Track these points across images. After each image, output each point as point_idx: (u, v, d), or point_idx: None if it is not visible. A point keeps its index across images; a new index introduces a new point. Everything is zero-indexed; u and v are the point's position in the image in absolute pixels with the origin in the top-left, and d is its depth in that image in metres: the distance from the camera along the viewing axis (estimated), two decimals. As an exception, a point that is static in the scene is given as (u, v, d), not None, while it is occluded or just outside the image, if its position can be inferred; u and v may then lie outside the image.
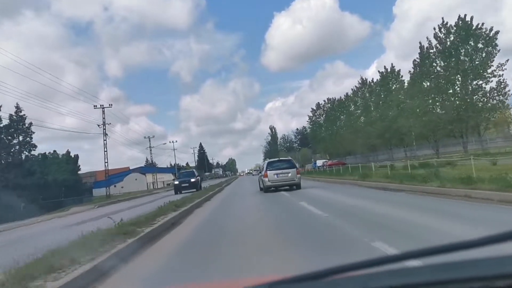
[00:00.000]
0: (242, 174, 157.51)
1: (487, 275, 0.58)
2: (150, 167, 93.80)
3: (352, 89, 72.51)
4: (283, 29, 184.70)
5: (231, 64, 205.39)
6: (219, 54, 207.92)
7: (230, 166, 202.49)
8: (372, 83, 65.43)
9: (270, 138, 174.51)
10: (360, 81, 69.11)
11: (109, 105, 44.05)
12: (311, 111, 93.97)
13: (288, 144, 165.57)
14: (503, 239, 0.60)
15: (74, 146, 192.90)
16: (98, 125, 42.30)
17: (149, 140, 73.54)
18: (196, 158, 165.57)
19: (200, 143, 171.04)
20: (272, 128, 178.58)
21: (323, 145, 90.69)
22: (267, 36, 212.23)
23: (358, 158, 76.42)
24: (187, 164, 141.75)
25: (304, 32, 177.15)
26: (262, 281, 0.72)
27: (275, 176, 19.32)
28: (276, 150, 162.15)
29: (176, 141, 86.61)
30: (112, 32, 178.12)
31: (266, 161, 22.24)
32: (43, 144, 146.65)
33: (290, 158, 25.73)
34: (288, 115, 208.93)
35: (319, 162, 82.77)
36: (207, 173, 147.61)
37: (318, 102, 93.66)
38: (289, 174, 19.29)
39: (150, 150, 72.98)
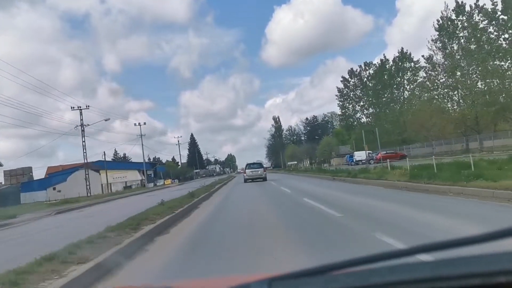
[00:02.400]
0: (241, 171, 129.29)
1: (487, 271, 0.57)
2: (109, 162, 63.35)
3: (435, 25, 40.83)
4: (283, 23, 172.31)
5: (231, 59, 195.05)
6: (218, 49, 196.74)
7: (229, 163, 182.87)
8: (473, 12, 34.98)
9: (274, 130, 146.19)
10: (447, 14, 38.36)
11: None
12: (341, 81, 63.16)
13: (295, 137, 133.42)
14: (503, 235, 0.59)
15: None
16: None
17: (80, 115, 42.36)
18: (187, 152, 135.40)
19: (192, 134, 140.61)
20: (276, 119, 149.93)
21: (361, 130, 60.10)
22: (267, 30, 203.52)
23: (431, 148, 46.10)
24: (172, 159, 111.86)
25: (305, 27, 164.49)
26: (263, 277, 0.69)
27: (250, 172, 30.31)
28: (282, 144, 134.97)
29: (145, 123, 55.79)
30: (109, 26, 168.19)
31: (245, 164, 34.08)
32: None
33: (260, 161, 41.31)
34: (288, 112, 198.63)
35: (359, 155, 52.44)
36: (197, 170, 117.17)
37: (352, 68, 62.88)
38: (259, 172, 30.27)
39: (82, 130, 41.94)
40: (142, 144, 60.24)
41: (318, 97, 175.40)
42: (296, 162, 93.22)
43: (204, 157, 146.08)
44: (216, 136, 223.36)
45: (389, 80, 54.10)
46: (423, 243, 0.63)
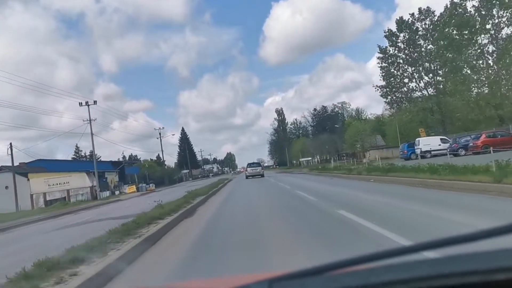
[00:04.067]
0: (242, 170, 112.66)
1: (487, 269, 0.56)
2: (46, 161, 42.60)
3: None
4: (281, 20, 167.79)
5: (229, 57, 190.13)
6: (216, 47, 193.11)
7: (228, 162, 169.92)
8: None
9: (276, 124, 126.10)
10: None
11: None
12: (385, 36, 42.33)
13: (300, 131, 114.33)
14: (503, 232, 0.58)
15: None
16: None
17: None
18: (177, 149, 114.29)
19: (183, 129, 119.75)
20: (279, 111, 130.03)
21: (418, 107, 39.55)
22: (265, 28, 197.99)
23: None
24: (157, 157, 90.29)
25: (303, 23, 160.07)
26: (262, 277, 0.68)
27: (251, 170, 36.64)
28: (286, 138, 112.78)
29: (96, 102, 33.88)
30: (105, 25, 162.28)
31: (247, 163, 42.57)
32: None
33: (259, 161, 51.89)
34: (288, 110, 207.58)
35: (428, 143, 31.42)
36: (186, 171, 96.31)
37: (401, 17, 42.07)
38: (258, 170, 36.85)
39: None
40: (92, 134, 39.53)
41: (318, 94, 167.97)
42: (310, 158, 72.52)
43: (198, 156, 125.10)
44: (215, 136, 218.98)
45: (471, 26, 33.34)
46: (423, 241, 0.61)
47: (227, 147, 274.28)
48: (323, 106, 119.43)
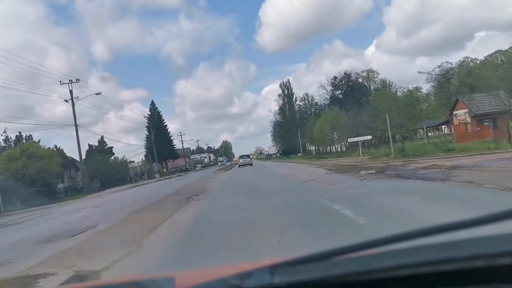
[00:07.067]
0: (236, 161, 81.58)
1: (489, 253, 0.56)
2: None
3: None
4: (278, 5, 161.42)
5: (225, 45, 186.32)
6: (212, 34, 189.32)
7: (224, 151, 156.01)
8: None
9: (281, 102, 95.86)
10: None
11: None
12: None
13: (313, 110, 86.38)
14: (503, 217, 0.58)
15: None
16: None
17: None
18: (145, 132, 78.12)
19: (152, 102, 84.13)
20: (285, 85, 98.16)
21: None
22: (261, 13, 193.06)
23: None
24: (100, 142, 51.32)
25: (301, 8, 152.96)
26: (263, 264, 0.68)
27: (242, 160, 47.84)
28: (294, 118, 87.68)
29: None
30: (96, 11, 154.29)
31: (239, 155, 57.40)
32: None
33: (248, 154, 57.43)
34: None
35: None
36: (134, 165, 59.30)
37: None
38: (248, 160, 47.75)
39: None
40: None
41: (316, 82, 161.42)
42: (370, 137, 37.16)
43: (178, 143, 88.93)
44: (212, 125, 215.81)
45: None
46: (423, 227, 0.61)
47: (224, 136, 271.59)
48: (345, 73, 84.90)
